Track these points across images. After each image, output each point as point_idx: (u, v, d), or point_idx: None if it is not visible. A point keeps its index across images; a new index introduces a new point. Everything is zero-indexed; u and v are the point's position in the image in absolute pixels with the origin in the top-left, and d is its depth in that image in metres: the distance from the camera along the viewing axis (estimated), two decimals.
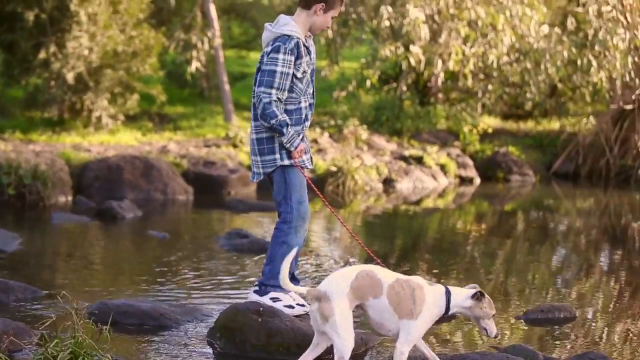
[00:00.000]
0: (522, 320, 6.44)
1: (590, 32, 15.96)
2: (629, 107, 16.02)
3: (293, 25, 5.40)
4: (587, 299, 7.40)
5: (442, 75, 17.85)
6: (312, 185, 5.56)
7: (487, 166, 16.39)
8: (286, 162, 5.46)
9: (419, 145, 16.55)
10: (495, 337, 4.88)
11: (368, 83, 17.04)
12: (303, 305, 5.50)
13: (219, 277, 7.64)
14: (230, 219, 11.44)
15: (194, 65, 17.79)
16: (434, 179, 15.27)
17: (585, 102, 17.80)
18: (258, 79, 5.39)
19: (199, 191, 12.76)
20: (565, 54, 16.30)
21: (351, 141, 15.83)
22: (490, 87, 17.95)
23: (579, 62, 16.33)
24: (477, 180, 15.99)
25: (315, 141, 15.46)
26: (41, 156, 12.21)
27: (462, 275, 8.06)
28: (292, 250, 5.29)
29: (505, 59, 16.88)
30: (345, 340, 4.53)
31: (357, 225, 11.08)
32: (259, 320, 5.26)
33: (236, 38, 22.88)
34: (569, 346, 5.85)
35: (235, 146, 14.93)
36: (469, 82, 17.40)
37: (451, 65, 16.42)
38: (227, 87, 17.45)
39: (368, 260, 8.60)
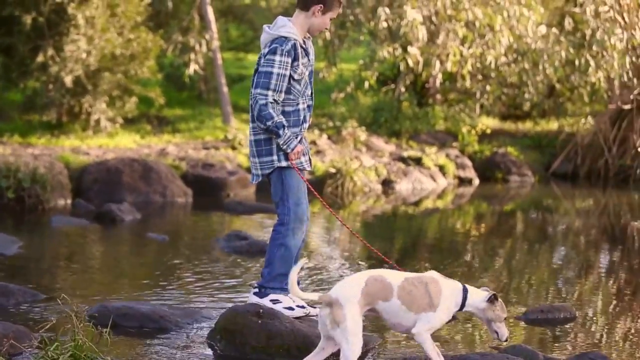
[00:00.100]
0: (522, 321, 6.44)
1: (588, 32, 15.95)
2: (627, 107, 16.03)
3: (290, 27, 5.40)
4: (587, 299, 7.40)
5: (440, 76, 17.83)
6: (310, 187, 5.56)
7: (485, 167, 16.39)
8: (283, 163, 5.45)
9: (418, 146, 16.54)
10: (506, 340, 4.94)
11: (366, 84, 17.03)
12: (303, 307, 5.49)
13: (218, 279, 7.64)
14: (230, 220, 11.44)
15: (192, 67, 17.76)
16: (432, 180, 15.27)
17: (583, 102, 17.78)
18: (255, 80, 5.39)
19: (198, 193, 12.76)
20: (563, 54, 16.30)
21: (350, 142, 15.82)
22: (488, 87, 17.94)
23: (576, 62, 16.32)
24: (476, 181, 15.99)
25: (313, 143, 15.46)
26: (40, 159, 12.20)
27: (462, 275, 8.05)
28: (290, 252, 5.30)
29: (503, 59, 16.87)
30: (353, 345, 4.55)
31: (356, 227, 11.08)
32: (259, 322, 5.27)
33: (234, 40, 22.87)
34: (569, 346, 5.85)
35: (234, 148, 14.92)
36: (467, 83, 17.39)
37: (449, 66, 16.41)
38: (225, 89, 17.44)
39: (368, 260, 8.61)
